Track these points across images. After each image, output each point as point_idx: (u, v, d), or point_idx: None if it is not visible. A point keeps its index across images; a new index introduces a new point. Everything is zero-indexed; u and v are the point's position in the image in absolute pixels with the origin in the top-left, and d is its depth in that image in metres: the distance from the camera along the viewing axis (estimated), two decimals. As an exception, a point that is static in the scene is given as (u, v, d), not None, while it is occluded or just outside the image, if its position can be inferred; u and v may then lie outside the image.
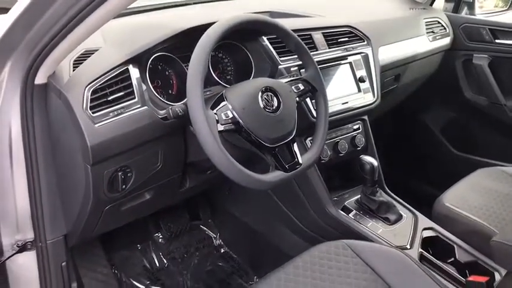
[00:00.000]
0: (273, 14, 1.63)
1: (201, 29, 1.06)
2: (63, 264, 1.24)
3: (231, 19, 1.05)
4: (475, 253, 1.38)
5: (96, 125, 0.99)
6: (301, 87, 1.19)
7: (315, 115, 1.32)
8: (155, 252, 1.81)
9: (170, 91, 1.24)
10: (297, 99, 1.17)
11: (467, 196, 1.57)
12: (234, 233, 1.92)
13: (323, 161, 1.50)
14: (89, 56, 1.07)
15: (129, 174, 1.11)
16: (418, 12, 2.03)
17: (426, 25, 1.99)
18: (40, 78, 0.99)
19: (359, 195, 1.54)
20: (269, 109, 1.07)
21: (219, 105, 1.04)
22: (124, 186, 1.11)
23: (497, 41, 2.02)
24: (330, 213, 1.48)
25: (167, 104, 1.13)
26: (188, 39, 1.15)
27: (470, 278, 1.18)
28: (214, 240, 1.95)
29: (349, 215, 1.48)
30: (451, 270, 1.32)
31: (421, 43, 1.93)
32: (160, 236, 1.85)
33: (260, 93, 1.07)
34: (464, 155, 2.19)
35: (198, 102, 0.95)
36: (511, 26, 1.97)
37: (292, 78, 1.20)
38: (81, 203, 1.09)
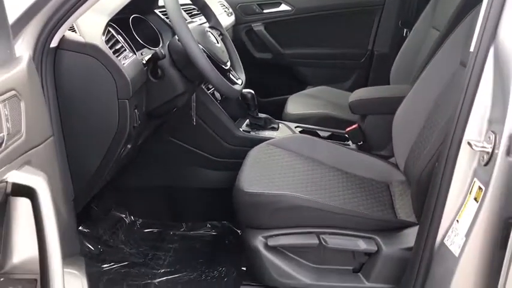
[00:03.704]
0: None
1: None
2: None
3: None
4: (327, 129, 2.09)
5: (125, 64, 1.21)
6: (214, 32, 1.63)
7: None
8: (88, 242, 1.87)
9: None
10: None
11: (303, 102, 2.33)
12: (141, 202, 2.10)
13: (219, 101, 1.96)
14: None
15: (137, 114, 1.32)
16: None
17: (220, 6, 2.62)
18: (54, 42, 1.14)
19: (246, 121, 2.06)
20: (216, 43, 1.49)
21: None
22: (139, 121, 1.32)
23: (264, 11, 2.84)
24: (238, 135, 1.94)
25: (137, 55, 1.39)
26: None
27: (348, 129, 1.85)
28: (125, 219, 2.10)
29: (251, 133, 1.98)
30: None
31: (225, 19, 2.55)
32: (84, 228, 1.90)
33: (207, 33, 1.48)
34: (270, 99, 2.94)
35: (190, 36, 1.30)
36: (271, -1, 2.83)
37: (207, 27, 1.63)
38: (111, 143, 1.24)
